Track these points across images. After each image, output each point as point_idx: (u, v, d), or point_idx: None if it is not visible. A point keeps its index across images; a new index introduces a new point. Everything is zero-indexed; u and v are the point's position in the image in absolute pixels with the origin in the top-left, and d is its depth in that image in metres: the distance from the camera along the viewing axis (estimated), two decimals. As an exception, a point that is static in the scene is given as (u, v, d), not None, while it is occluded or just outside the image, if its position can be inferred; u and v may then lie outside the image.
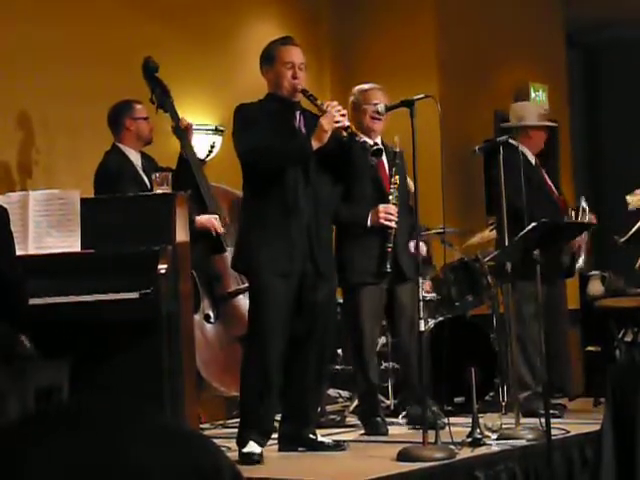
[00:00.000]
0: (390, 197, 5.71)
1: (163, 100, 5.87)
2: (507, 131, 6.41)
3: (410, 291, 5.61)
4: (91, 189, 5.68)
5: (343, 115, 4.96)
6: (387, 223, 5.65)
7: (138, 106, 5.91)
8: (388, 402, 6.47)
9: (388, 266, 5.60)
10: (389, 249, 5.61)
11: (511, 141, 5.92)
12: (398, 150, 5.79)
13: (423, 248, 6.06)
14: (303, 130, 5.10)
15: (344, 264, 5.69)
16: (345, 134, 4.97)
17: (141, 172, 5.83)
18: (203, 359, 5.64)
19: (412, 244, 5.79)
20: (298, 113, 5.15)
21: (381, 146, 5.29)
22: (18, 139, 6.50)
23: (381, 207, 5.66)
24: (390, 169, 5.82)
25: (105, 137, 6.00)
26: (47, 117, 6.57)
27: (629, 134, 10.49)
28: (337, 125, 4.92)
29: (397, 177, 5.75)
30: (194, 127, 7.05)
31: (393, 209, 5.66)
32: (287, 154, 4.97)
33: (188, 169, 5.82)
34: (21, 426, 1.38)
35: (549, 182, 6.57)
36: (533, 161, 6.41)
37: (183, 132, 5.84)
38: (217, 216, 5.86)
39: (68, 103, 6.60)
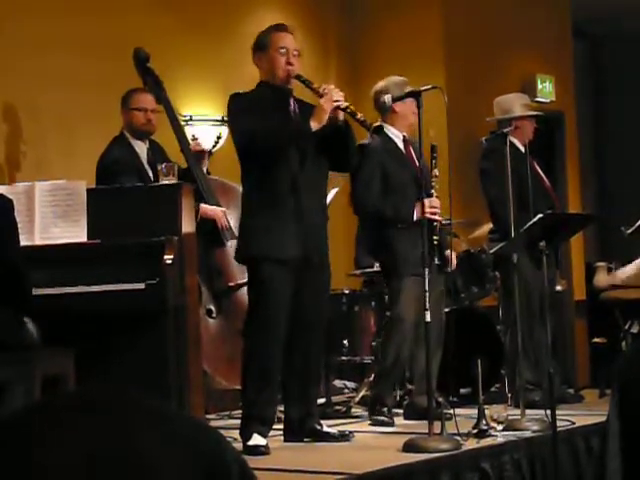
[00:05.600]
0: (432, 190, 5.67)
1: (156, 91, 5.74)
2: (500, 124, 6.43)
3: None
4: (87, 181, 5.50)
5: (341, 96, 4.93)
6: (433, 217, 5.60)
7: (135, 95, 5.74)
8: (394, 393, 6.46)
9: (436, 258, 5.56)
10: (436, 242, 5.58)
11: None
12: (435, 143, 5.72)
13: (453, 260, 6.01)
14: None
15: (390, 255, 5.71)
16: (344, 114, 4.95)
17: (145, 164, 5.67)
18: (206, 353, 5.61)
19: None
20: (292, 100, 5.12)
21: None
22: (4, 131, 6.29)
23: (426, 201, 5.59)
24: (429, 161, 5.76)
25: (100, 128, 5.83)
26: (36, 108, 6.37)
27: (635, 124, 10.48)
28: (336, 104, 4.90)
29: (436, 170, 5.70)
30: (200, 118, 7.02)
31: (437, 202, 5.63)
32: (286, 133, 4.92)
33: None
34: (33, 411, 1.38)
35: (540, 172, 6.57)
36: (523, 150, 6.41)
37: (177, 123, 5.78)
38: (224, 209, 5.81)
39: (59, 93, 6.41)
